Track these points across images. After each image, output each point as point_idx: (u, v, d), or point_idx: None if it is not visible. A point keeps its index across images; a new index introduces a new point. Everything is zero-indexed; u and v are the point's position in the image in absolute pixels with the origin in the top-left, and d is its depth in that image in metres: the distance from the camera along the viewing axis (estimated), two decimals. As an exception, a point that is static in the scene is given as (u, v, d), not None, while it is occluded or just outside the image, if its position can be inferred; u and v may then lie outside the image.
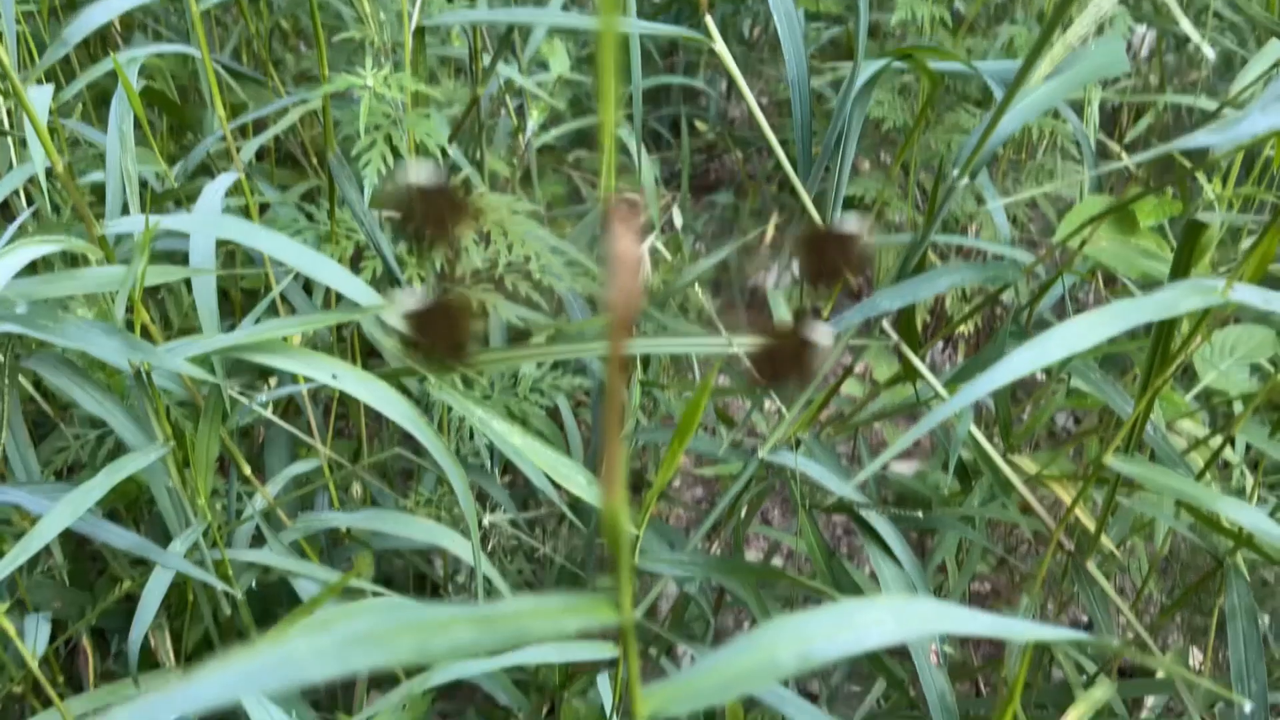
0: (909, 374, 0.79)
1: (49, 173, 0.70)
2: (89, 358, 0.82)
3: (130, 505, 1.00)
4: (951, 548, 0.94)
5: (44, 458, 0.97)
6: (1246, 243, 1.03)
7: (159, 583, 0.75)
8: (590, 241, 1.25)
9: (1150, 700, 0.96)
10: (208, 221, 0.65)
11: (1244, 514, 0.63)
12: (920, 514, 0.72)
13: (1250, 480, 0.84)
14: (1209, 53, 1.36)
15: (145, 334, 0.73)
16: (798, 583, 0.57)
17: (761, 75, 1.78)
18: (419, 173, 0.24)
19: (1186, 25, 0.68)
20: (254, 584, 0.88)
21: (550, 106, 1.25)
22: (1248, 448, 0.87)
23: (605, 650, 0.71)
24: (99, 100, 1.14)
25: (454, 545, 0.81)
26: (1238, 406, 0.85)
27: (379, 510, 0.84)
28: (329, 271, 0.66)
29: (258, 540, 0.84)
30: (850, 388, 1.19)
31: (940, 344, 1.45)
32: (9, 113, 0.88)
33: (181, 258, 0.98)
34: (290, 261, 0.65)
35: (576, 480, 0.60)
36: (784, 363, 0.25)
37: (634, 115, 0.83)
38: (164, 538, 0.85)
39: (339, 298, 0.91)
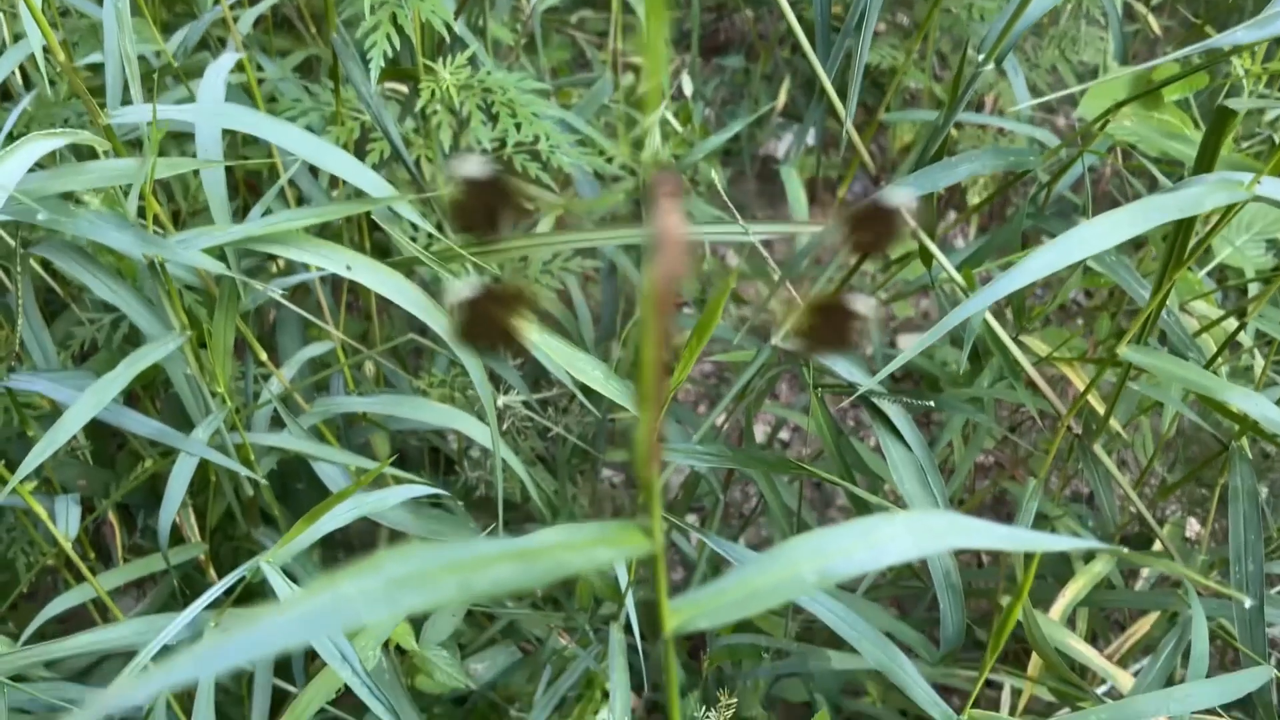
0: (924, 259, 0.79)
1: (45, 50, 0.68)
2: (99, 243, 0.81)
3: (147, 386, 1.01)
4: (958, 426, 0.95)
5: (58, 338, 0.97)
6: (1271, 115, 1.01)
7: (183, 469, 0.76)
8: (598, 111, 1.23)
9: (1145, 570, 0.99)
10: (214, 111, 0.64)
11: (1252, 403, 0.64)
12: (930, 399, 0.73)
13: (1260, 362, 0.84)
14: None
15: (157, 222, 0.73)
16: (811, 473, 0.58)
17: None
18: (470, 166, 0.23)
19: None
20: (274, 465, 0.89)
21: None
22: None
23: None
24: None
25: (470, 428, 0.82)
26: (1253, 288, 0.85)
27: (394, 395, 0.85)
28: (339, 162, 0.65)
29: (276, 423, 0.86)
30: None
31: (952, 214, 1.43)
32: (-1, -13, 0.86)
33: (186, 136, 0.97)
34: (300, 153, 0.64)
35: (593, 375, 0.61)
36: (828, 333, 0.25)
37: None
38: (182, 415, 0.86)
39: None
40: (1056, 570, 0.96)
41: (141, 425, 0.75)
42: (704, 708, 0.72)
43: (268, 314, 1.04)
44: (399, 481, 0.86)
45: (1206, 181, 0.54)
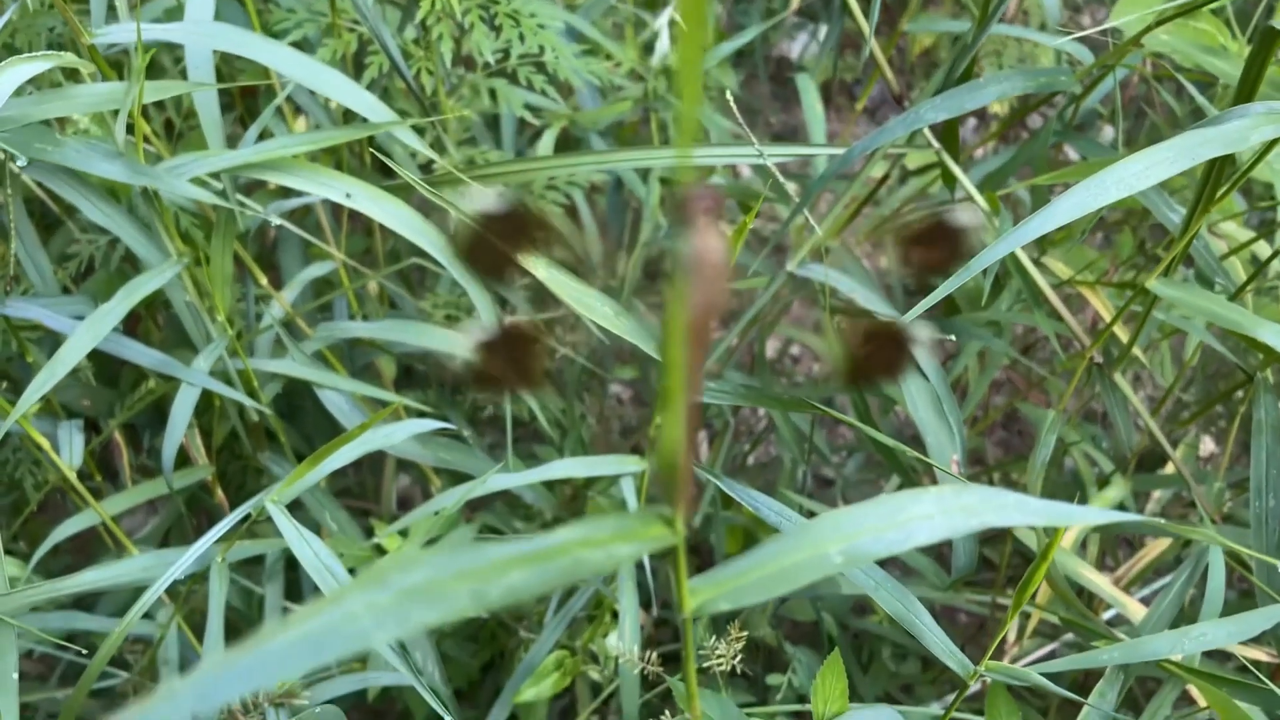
0: (946, 179, 0.76)
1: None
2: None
3: (149, 305, 0.99)
4: (974, 349, 0.93)
5: (54, 254, 0.95)
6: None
7: (186, 397, 0.75)
8: (605, 11, 1.18)
9: (1157, 493, 0.98)
10: (203, 30, 0.61)
11: (1283, 339, 0.62)
12: (950, 328, 0.71)
13: (1287, 287, 0.82)
14: None
15: (149, 144, 0.70)
16: (824, 412, 0.56)
17: None
18: (486, 200, 0.21)
19: None
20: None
21: None
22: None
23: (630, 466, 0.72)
24: None
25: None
26: (1283, 210, 0.82)
27: (398, 319, 0.84)
28: (337, 85, 0.62)
29: (279, 347, 0.84)
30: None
31: (972, 120, 1.39)
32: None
33: (176, 50, 0.92)
34: (295, 76, 0.61)
35: (602, 312, 0.59)
36: (880, 362, 0.23)
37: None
38: (185, 335, 0.85)
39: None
40: (1069, 493, 0.96)
41: (142, 355, 0.73)
42: (713, 635, 0.72)
43: (268, 231, 1.02)
44: (406, 410, 0.85)
45: (1253, 113, 0.51)
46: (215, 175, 0.68)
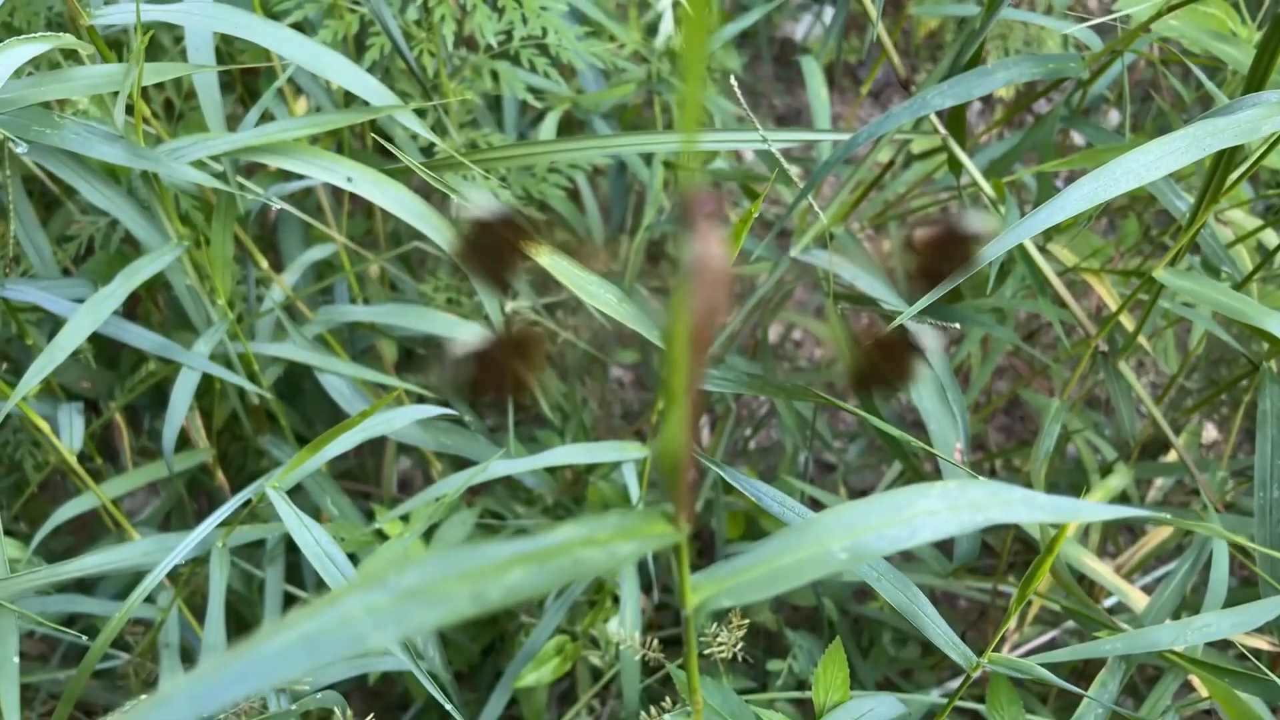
0: (952, 165, 0.75)
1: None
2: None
3: (149, 287, 0.98)
4: (978, 336, 0.93)
5: (54, 235, 0.95)
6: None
7: (186, 381, 0.75)
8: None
9: (1159, 480, 0.98)
10: (203, 11, 0.60)
11: (1290, 330, 0.61)
12: (954, 315, 0.70)
13: (1294, 276, 0.81)
14: None
15: (148, 127, 0.69)
16: (828, 402, 0.56)
17: None
18: (480, 206, 0.20)
19: None
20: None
21: None
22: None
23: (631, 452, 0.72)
24: None
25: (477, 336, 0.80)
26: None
27: (399, 303, 0.83)
28: (338, 68, 0.61)
29: (280, 329, 0.84)
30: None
31: (979, 105, 1.38)
32: None
33: (176, 29, 0.92)
34: (296, 58, 0.60)
35: (605, 298, 0.59)
36: (886, 369, 0.23)
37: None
38: (186, 316, 0.84)
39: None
40: (1072, 480, 0.96)
41: (142, 339, 0.73)
42: (714, 622, 0.72)
43: (268, 213, 1.01)
44: (407, 394, 0.85)
45: (1264, 101, 0.51)
46: (215, 158, 0.67)
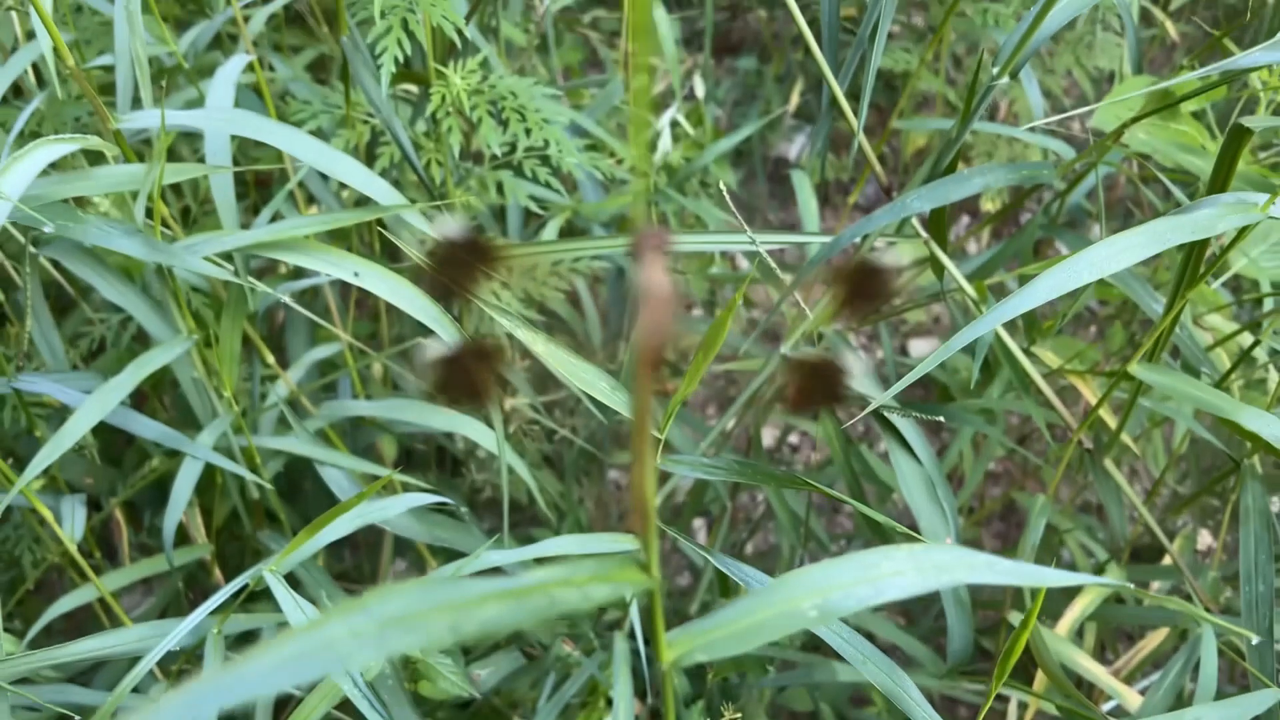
0: (936, 270, 0.78)
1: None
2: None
3: (156, 384, 1.01)
4: (968, 436, 0.94)
5: (67, 334, 0.98)
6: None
7: (189, 473, 0.76)
8: (609, 111, 1.22)
9: (1156, 584, 0.98)
10: (223, 117, 0.64)
11: (1264, 424, 0.63)
12: (941, 412, 0.72)
13: (1276, 378, 0.83)
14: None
15: (165, 225, 0.73)
16: (819, 490, 0.57)
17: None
18: (448, 227, 0.23)
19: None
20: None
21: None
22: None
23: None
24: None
25: (475, 433, 0.82)
26: (1268, 304, 0.84)
27: (400, 399, 0.85)
28: (349, 170, 0.65)
29: (283, 424, 0.86)
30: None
31: (966, 218, 1.42)
32: (11, -14, 0.85)
33: (196, 136, 0.96)
34: (310, 161, 0.63)
35: (599, 386, 0.60)
36: (817, 391, 0.25)
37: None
38: (190, 413, 0.86)
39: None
40: (1065, 583, 0.96)
41: (148, 429, 0.75)
42: (708, 719, 0.72)
43: (276, 314, 1.04)
44: (405, 487, 0.86)
45: (1221, 203, 0.54)
46: (228, 257, 0.71)
